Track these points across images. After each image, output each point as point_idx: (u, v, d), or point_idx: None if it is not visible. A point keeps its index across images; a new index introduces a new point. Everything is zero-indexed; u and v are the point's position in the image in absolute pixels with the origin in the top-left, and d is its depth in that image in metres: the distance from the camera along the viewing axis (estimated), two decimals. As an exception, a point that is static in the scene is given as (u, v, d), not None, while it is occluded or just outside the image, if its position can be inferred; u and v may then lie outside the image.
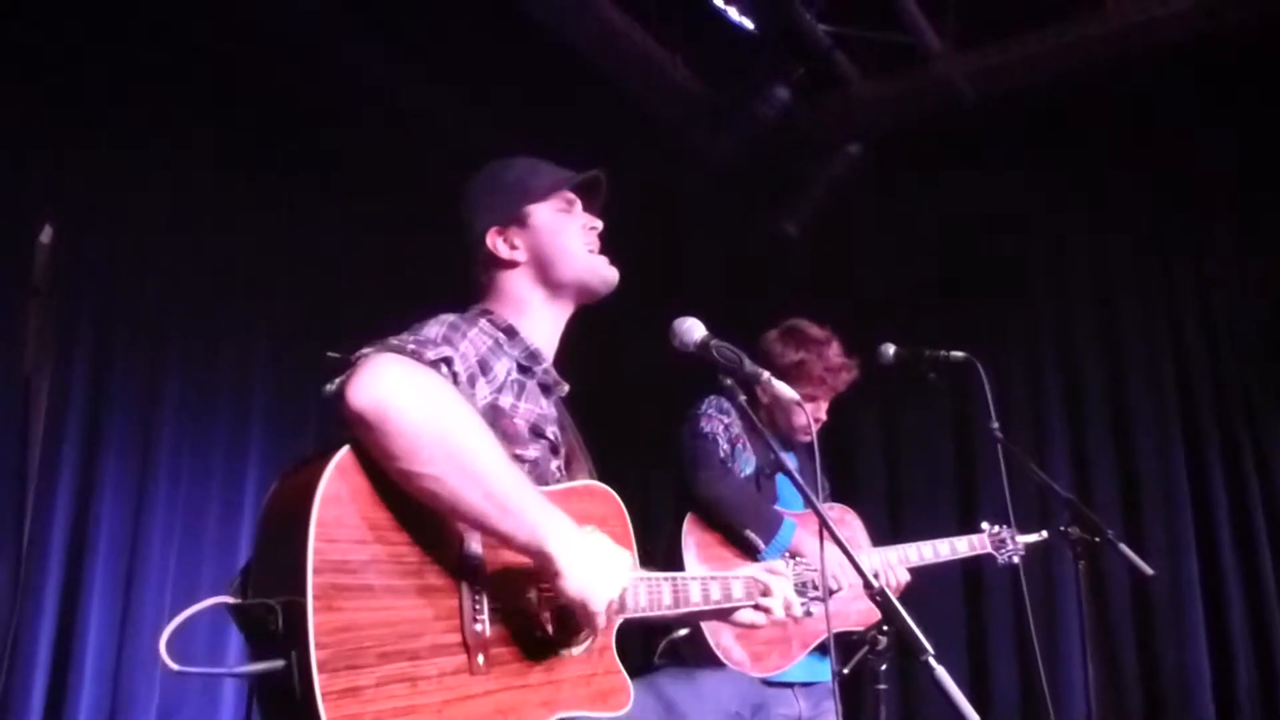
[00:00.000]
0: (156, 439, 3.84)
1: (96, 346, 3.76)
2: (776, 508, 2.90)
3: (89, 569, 3.60)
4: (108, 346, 3.79)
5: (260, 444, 4.13)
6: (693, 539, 2.78)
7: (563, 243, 1.99)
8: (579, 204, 2.06)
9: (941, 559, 3.04)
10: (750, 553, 2.75)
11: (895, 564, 2.94)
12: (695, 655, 2.56)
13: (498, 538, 1.59)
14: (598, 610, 1.60)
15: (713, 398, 2.94)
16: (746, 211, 4.69)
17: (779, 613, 2.08)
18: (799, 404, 2.15)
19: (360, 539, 1.47)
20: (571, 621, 1.69)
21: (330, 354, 1.59)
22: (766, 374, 1.98)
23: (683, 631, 2.56)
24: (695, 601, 1.97)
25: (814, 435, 2.49)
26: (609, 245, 2.06)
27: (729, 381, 2.00)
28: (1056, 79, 4.18)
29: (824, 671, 2.80)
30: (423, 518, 1.56)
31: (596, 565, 1.60)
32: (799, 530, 2.81)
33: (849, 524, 3.07)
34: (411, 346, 1.64)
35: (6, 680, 3.36)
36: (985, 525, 3.16)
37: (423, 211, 4.42)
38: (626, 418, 4.10)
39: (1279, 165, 4.16)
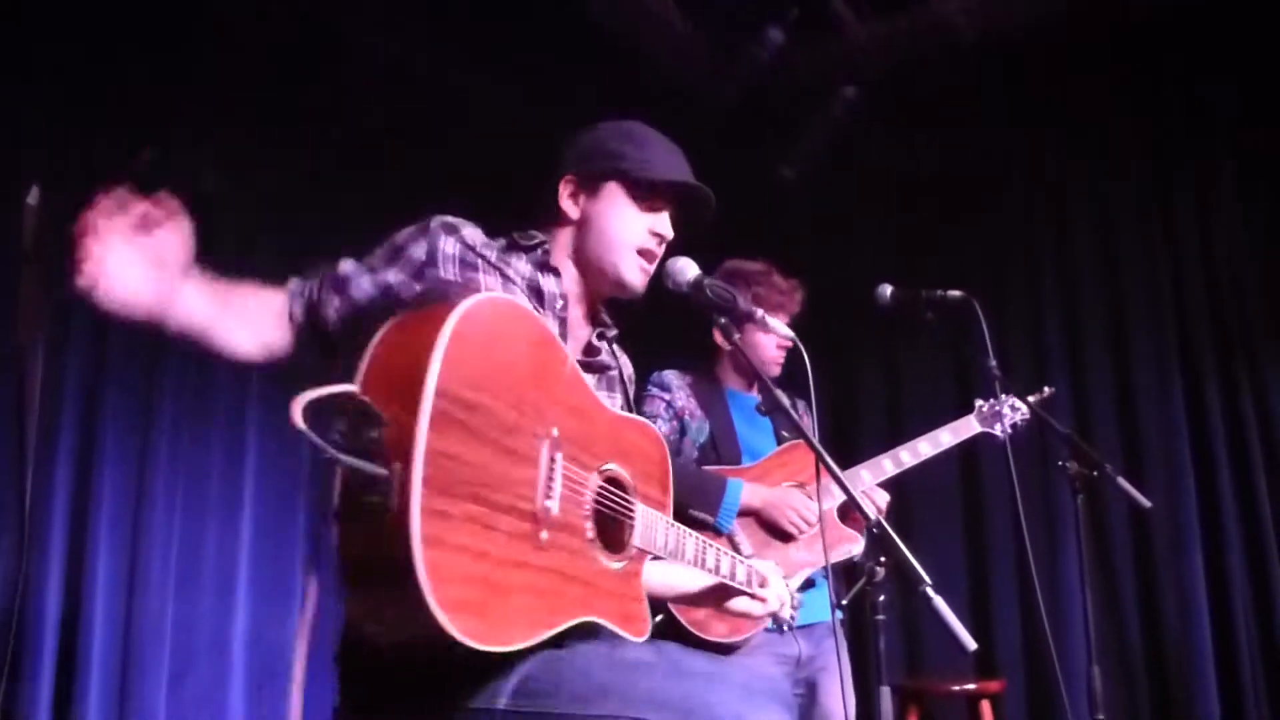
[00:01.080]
0: (157, 401, 3.83)
1: (92, 310, 3.74)
2: (718, 469, 2.90)
3: (93, 534, 3.60)
4: (104, 312, 3.76)
5: (259, 402, 4.12)
6: None
7: (616, 231, 1.96)
8: (665, 209, 1.99)
9: (925, 457, 3.05)
10: (707, 531, 2.71)
11: (870, 485, 2.96)
12: (677, 638, 2.52)
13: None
14: None
15: (655, 374, 2.98)
16: (743, 156, 4.66)
17: (773, 605, 2.13)
18: (792, 341, 2.14)
19: (475, 384, 1.52)
20: (610, 534, 1.77)
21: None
22: (761, 311, 1.97)
23: (658, 618, 2.58)
24: (709, 566, 2.02)
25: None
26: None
27: (723, 320, 1.99)
28: (1055, 16, 4.13)
29: (822, 611, 2.83)
30: (534, 393, 1.63)
31: None
32: (747, 486, 2.83)
33: (807, 461, 3.04)
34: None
35: (16, 645, 3.38)
36: (978, 402, 3.17)
37: (411, 159, 4.45)
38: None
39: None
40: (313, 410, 1.39)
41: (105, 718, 3.54)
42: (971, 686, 3.94)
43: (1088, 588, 3.08)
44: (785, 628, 2.31)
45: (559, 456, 1.66)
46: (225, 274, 1.85)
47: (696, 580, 2.10)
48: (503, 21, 3.99)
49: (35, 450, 3.51)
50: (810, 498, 2.91)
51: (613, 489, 1.82)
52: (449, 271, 1.81)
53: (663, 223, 1.98)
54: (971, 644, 1.59)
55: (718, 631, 2.71)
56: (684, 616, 2.66)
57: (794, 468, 3.02)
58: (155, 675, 3.66)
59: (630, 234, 1.96)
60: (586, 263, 1.98)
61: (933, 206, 4.84)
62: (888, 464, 3.04)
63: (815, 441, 1.90)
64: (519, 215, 2.00)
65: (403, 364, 1.47)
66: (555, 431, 1.66)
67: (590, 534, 1.74)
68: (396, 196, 4.42)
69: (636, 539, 1.84)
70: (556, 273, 1.94)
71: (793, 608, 2.20)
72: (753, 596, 2.11)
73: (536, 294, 1.91)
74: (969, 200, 4.81)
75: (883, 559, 1.72)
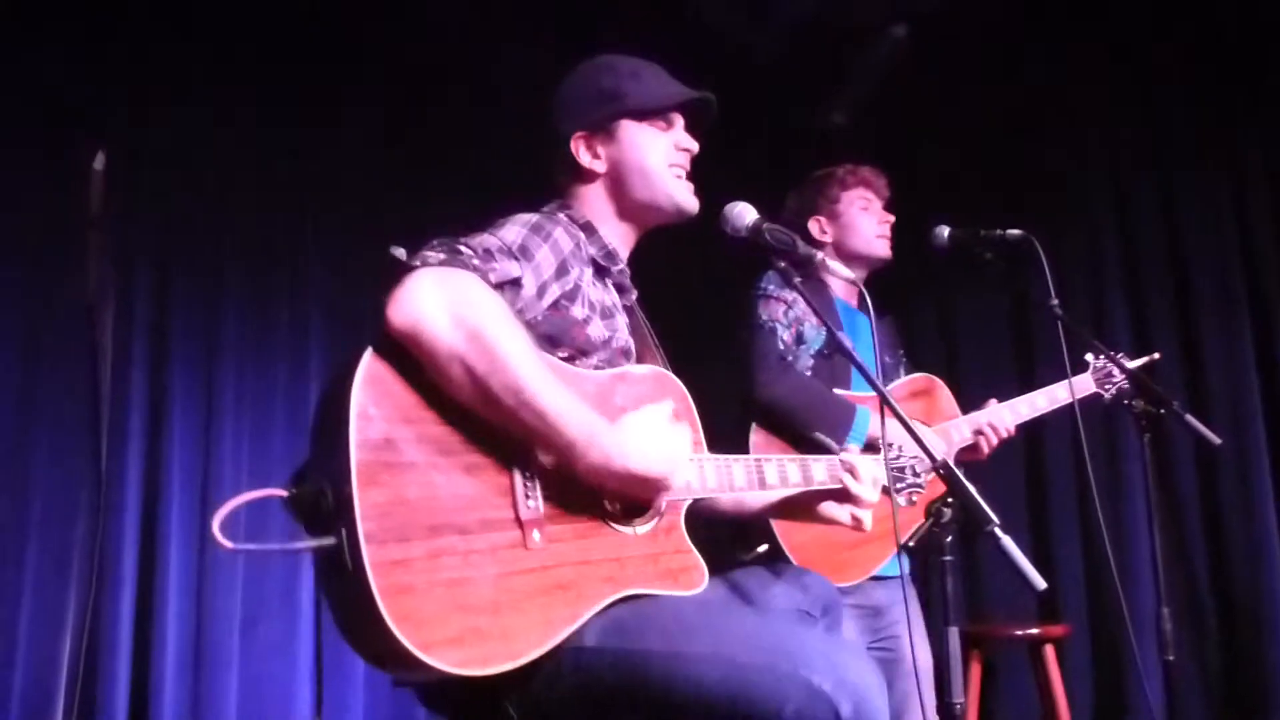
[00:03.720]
0: (220, 354, 3.92)
1: (157, 271, 3.82)
2: (847, 394, 2.80)
3: (165, 487, 3.72)
4: (167, 271, 3.84)
5: (319, 353, 4.20)
6: (758, 450, 2.68)
7: (647, 162, 1.95)
8: (680, 123, 2.00)
9: (1040, 412, 2.97)
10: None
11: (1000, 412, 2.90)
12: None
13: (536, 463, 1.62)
14: (660, 482, 1.63)
15: (771, 273, 2.86)
16: (793, 102, 4.60)
17: (869, 495, 2.02)
18: (853, 282, 2.13)
19: (404, 418, 1.51)
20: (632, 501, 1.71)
21: (395, 250, 1.60)
22: (820, 254, 1.96)
23: (762, 548, 2.56)
24: (772, 483, 1.95)
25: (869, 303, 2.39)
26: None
27: (783, 264, 1.98)
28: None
29: (896, 565, 2.74)
30: None
31: (650, 443, 1.62)
32: (875, 416, 2.71)
33: (935, 395, 3.00)
34: (476, 262, 1.63)
35: (96, 597, 3.50)
36: (1090, 358, 3.08)
37: (459, 120, 4.46)
38: (692, 321, 4.15)
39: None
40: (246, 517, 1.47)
41: (183, 665, 3.66)
42: (1035, 631, 3.91)
43: (1155, 528, 3.05)
44: (907, 500, 2.22)
45: (531, 451, 1.63)
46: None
47: (770, 497, 2.05)
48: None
49: (109, 404, 3.61)
50: (936, 439, 2.83)
51: None
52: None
53: (684, 137, 2.00)
54: (1041, 583, 1.58)
55: (825, 573, 2.64)
56: (795, 555, 2.56)
57: (919, 405, 2.95)
58: (229, 621, 3.77)
59: (664, 159, 1.96)
60: (632, 205, 1.97)
61: (986, 148, 4.75)
62: (1007, 414, 2.96)
63: (880, 384, 1.89)
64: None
65: (325, 427, 1.50)
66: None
67: (600, 509, 1.70)
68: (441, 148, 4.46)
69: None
70: (591, 229, 1.93)
71: (903, 495, 2.15)
72: (842, 497, 2.03)
73: (600, 270, 1.92)
74: (1023, 141, 4.71)
75: (949, 500, 1.72)
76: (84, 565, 3.50)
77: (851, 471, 2.04)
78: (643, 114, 1.96)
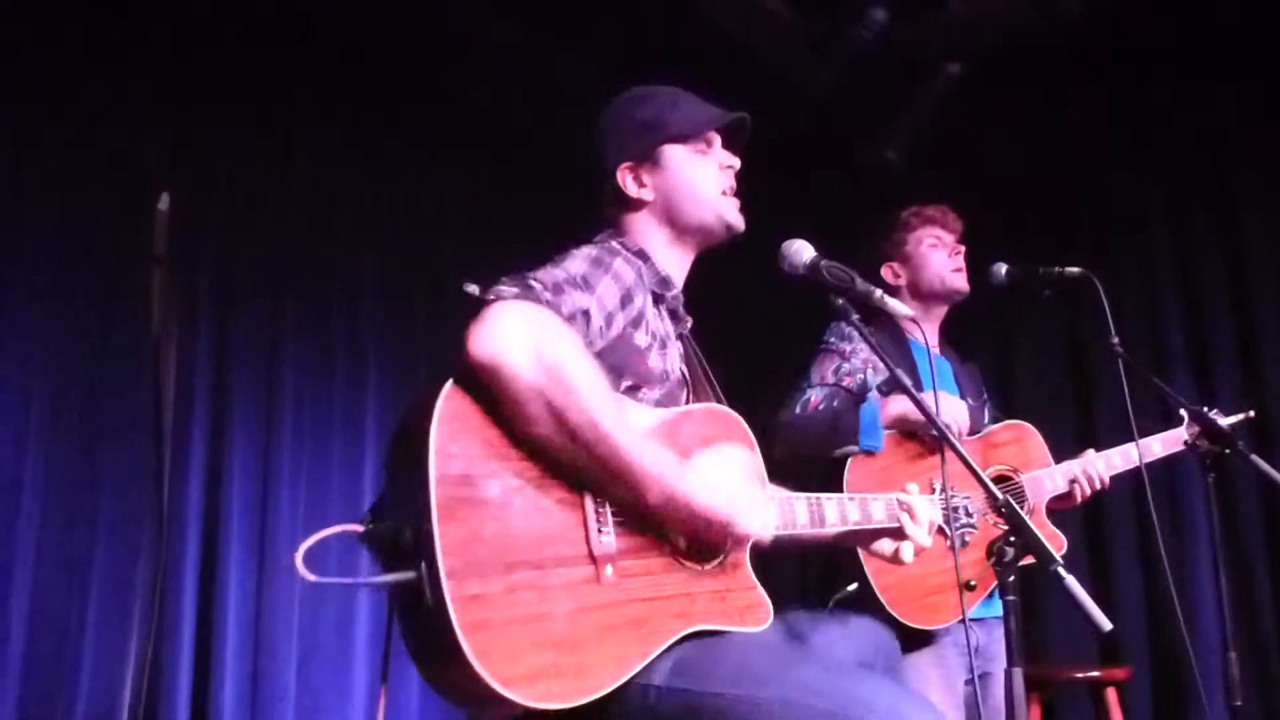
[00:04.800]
0: (279, 390, 3.98)
1: (219, 309, 3.90)
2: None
3: (225, 522, 3.77)
4: (229, 308, 3.92)
5: (377, 395, 4.25)
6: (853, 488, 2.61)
7: (695, 186, 1.98)
8: (718, 142, 2.03)
9: (1133, 465, 2.90)
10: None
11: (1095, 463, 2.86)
12: (867, 608, 2.45)
13: (604, 494, 1.63)
14: (746, 533, 1.66)
15: (835, 324, 2.86)
16: (848, 140, 4.61)
17: (922, 538, 2.04)
18: (913, 319, 2.13)
19: (480, 455, 1.53)
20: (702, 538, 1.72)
21: (468, 286, 1.61)
22: (879, 292, 1.96)
23: (852, 587, 2.53)
24: (832, 521, 1.96)
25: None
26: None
27: (840, 301, 1.98)
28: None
29: (995, 606, 2.67)
30: None
31: (719, 483, 1.64)
32: (899, 401, 2.67)
33: (1027, 441, 2.94)
34: (548, 296, 1.64)
35: (158, 629, 3.55)
36: (1184, 412, 3.01)
37: (520, 158, 4.53)
38: (749, 355, 4.14)
39: None
40: (315, 550, 1.48)
41: (240, 698, 3.69)
42: (1096, 674, 3.83)
43: (1221, 570, 2.98)
44: (960, 541, 2.24)
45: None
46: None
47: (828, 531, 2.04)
48: (598, 8, 4.02)
49: (170, 439, 3.68)
50: (1023, 490, 2.81)
51: None
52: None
53: (726, 156, 2.02)
54: (1106, 624, 1.55)
55: (917, 618, 2.58)
56: (885, 596, 2.54)
57: (1011, 451, 2.90)
58: (286, 652, 3.80)
59: (712, 182, 1.99)
60: (683, 228, 1.99)
61: (1041, 182, 4.73)
62: (1101, 464, 2.90)
63: (940, 423, 1.88)
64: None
65: (403, 465, 1.52)
66: None
67: (671, 546, 1.71)
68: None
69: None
70: (646, 256, 1.95)
71: (958, 534, 2.15)
72: (898, 534, 2.03)
73: (657, 298, 1.94)
74: (1078, 178, 4.68)
75: (1011, 539, 1.70)
76: (146, 601, 3.56)
77: (909, 512, 2.04)
78: (685, 138, 1.99)
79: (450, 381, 1.54)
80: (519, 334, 1.55)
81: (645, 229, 1.98)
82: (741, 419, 1.93)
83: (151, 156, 3.80)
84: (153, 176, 3.82)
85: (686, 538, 1.69)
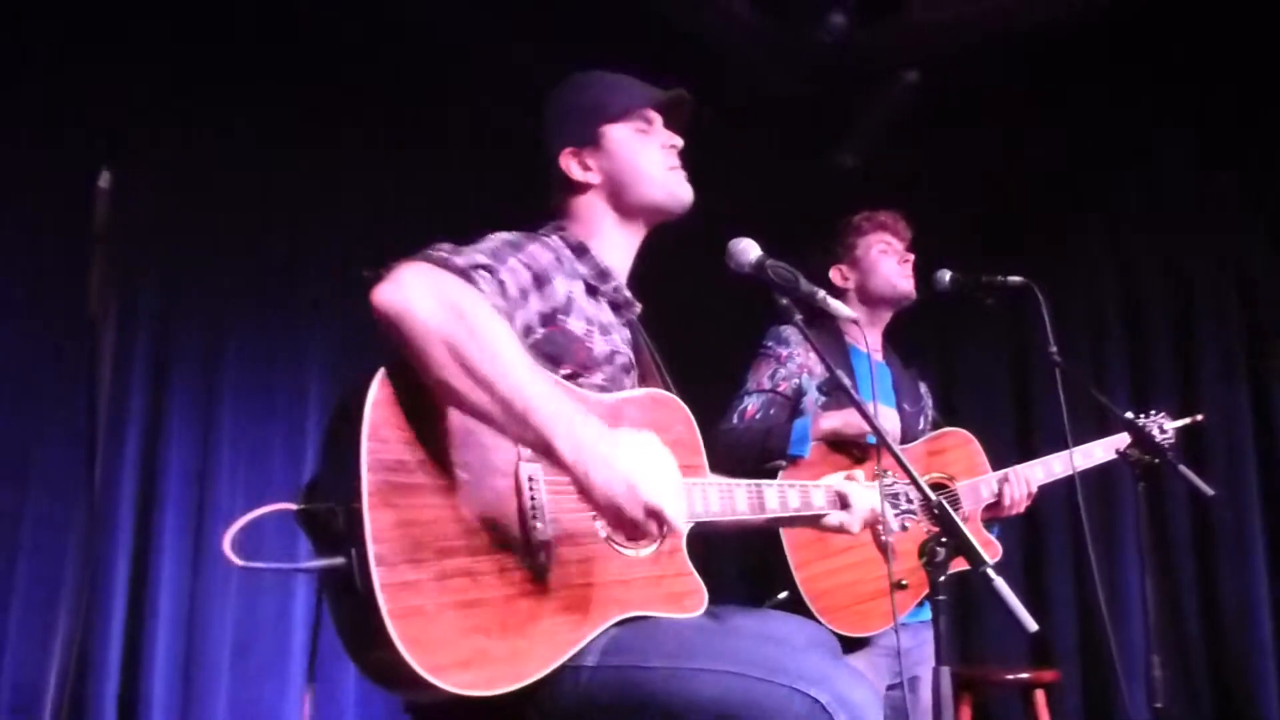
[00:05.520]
0: (220, 377, 3.92)
1: (160, 291, 3.83)
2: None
3: (160, 508, 3.70)
4: (171, 290, 3.86)
5: (320, 375, 4.20)
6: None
7: (639, 165, 1.98)
8: (658, 121, 2.03)
9: (1071, 471, 2.93)
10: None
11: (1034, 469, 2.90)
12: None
13: (517, 442, 1.59)
14: (633, 517, 1.54)
15: (774, 327, 2.88)
16: (802, 143, 4.64)
17: (853, 527, 2.10)
18: (855, 322, 2.15)
19: (413, 440, 1.52)
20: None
21: (366, 271, 1.60)
22: (822, 293, 1.97)
23: (783, 595, 2.57)
24: (772, 508, 1.98)
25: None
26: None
27: (784, 302, 1.99)
28: (1116, 2, 4.06)
29: (925, 611, 2.75)
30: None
31: (624, 472, 1.52)
32: (834, 416, 2.72)
33: (966, 449, 2.98)
34: (442, 254, 1.64)
35: (86, 617, 3.48)
36: (1130, 415, 3.04)
37: (473, 144, 4.50)
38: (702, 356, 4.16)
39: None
40: (244, 534, 1.46)
41: (172, 689, 3.63)
42: (1025, 675, 3.90)
43: (1148, 577, 3.05)
44: (901, 526, 2.26)
45: (538, 473, 1.64)
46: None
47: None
48: (562, 6, 4.01)
49: (105, 421, 3.61)
50: (958, 497, 2.85)
51: None
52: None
53: (669, 136, 2.02)
54: (1032, 624, 1.58)
55: (849, 626, 2.61)
56: (814, 604, 2.57)
57: (950, 458, 2.94)
58: (220, 645, 3.75)
59: (656, 158, 1.99)
60: (631, 207, 1.99)
61: (991, 194, 4.79)
62: (1039, 471, 2.95)
63: (876, 422, 1.91)
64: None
65: (336, 448, 1.50)
66: (527, 450, 1.62)
67: (604, 533, 1.71)
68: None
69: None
70: (584, 249, 1.94)
71: (896, 519, 2.20)
72: (840, 527, 2.10)
73: (591, 289, 1.92)
74: (1027, 189, 4.75)
75: (943, 540, 1.72)
76: (75, 584, 3.48)
77: (843, 499, 2.10)
78: (625, 118, 1.99)
79: (384, 367, 1.52)
80: (419, 281, 1.56)
81: (593, 212, 1.98)
82: (684, 405, 1.94)
83: (93, 132, 3.72)
84: (94, 153, 3.74)
85: (600, 507, 1.57)
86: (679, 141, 2.03)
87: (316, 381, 4.19)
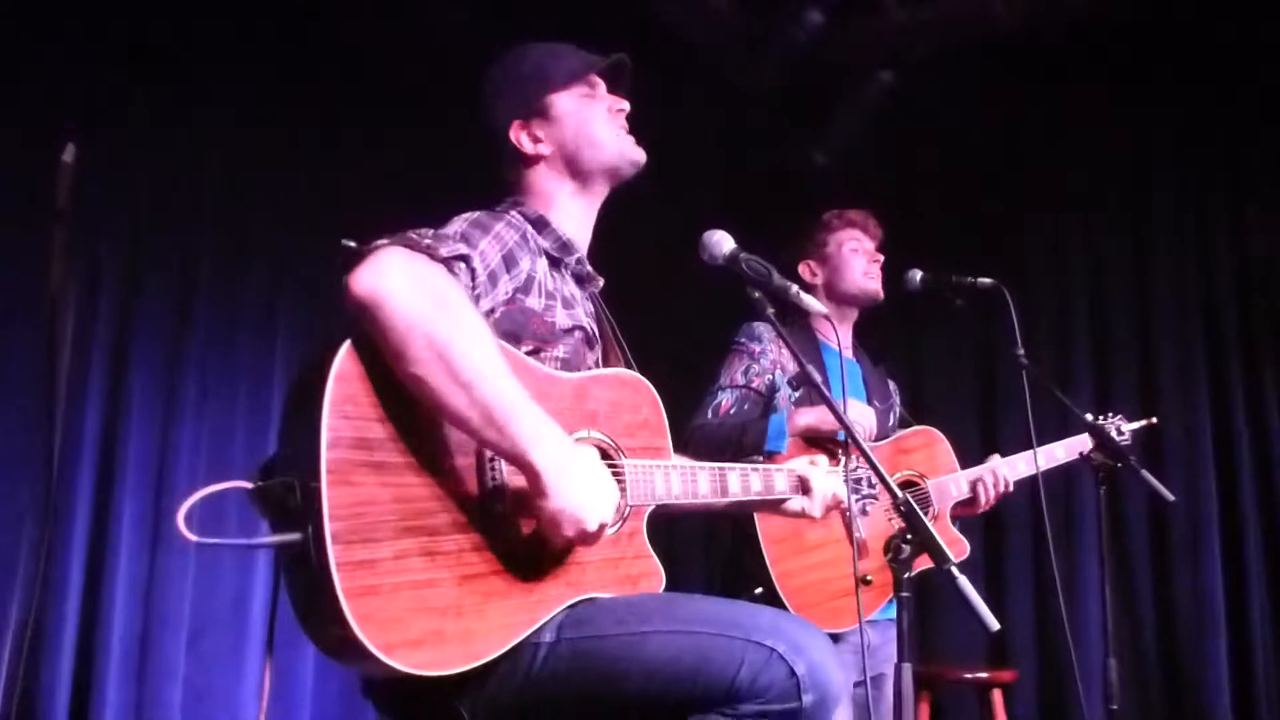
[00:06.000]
0: (183, 359, 3.87)
1: (123, 265, 3.78)
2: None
3: (118, 488, 3.65)
4: (134, 265, 3.80)
5: (283, 365, 4.15)
6: None
7: (589, 131, 1.96)
8: (602, 86, 2.02)
9: (1035, 471, 2.96)
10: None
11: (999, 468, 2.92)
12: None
13: (481, 443, 1.57)
14: (579, 538, 1.57)
15: (747, 324, 2.89)
16: (777, 138, 4.64)
17: (815, 512, 2.12)
18: (826, 318, 2.15)
19: (376, 417, 1.50)
20: None
21: (346, 242, 1.57)
22: (795, 287, 1.97)
23: (758, 591, 2.58)
24: (735, 492, 1.98)
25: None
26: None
27: (757, 295, 1.99)
28: (1095, 4, 4.09)
29: (892, 609, 2.79)
30: None
31: (579, 488, 1.55)
32: (797, 413, 2.74)
33: (935, 448, 2.99)
34: (427, 242, 1.61)
35: (41, 598, 3.43)
36: (1090, 417, 3.07)
37: (439, 122, 4.45)
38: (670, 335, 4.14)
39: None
40: (203, 511, 1.43)
41: (126, 671, 3.59)
42: (984, 675, 3.93)
43: (1106, 580, 3.08)
44: (862, 511, 2.31)
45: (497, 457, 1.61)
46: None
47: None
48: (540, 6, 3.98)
49: (64, 399, 3.55)
50: (928, 495, 2.87)
51: None
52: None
53: (615, 100, 2.01)
54: (994, 624, 1.59)
55: (821, 622, 2.59)
56: (790, 601, 2.59)
57: (919, 457, 2.95)
58: (176, 630, 3.70)
59: (605, 122, 1.97)
60: (585, 173, 1.97)
61: (962, 196, 4.82)
62: (1005, 470, 2.96)
63: (846, 419, 1.91)
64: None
65: (297, 421, 1.48)
66: None
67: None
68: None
69: (629, 498, 1.78)
70: (544, 222, 1.92)
71: (859, 502, 2.25)
72: (801, 512, 2.13)
73: (555, 262, 1.91)
74: (998, 191, 4.79)
75: (908, 537, 1.73)
76: (29, 565, 3.43)
77: (804, 484, 2.12)
78: (569, 84, 1.97)
79: (349, 340, 1.49)
80: (400, 270, 1.52)
81: (548, 184, 1.96)
82: (650, 386, 1.93)
83: (59, 105, 3.65)
84: (58, 126, 3.68)
85: (543, 519, 1.57)
86: (626, 105, 2.02)
87: (281, 367, 4.15)
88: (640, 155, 2.00)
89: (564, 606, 1.64)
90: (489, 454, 1.60)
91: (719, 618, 1.59)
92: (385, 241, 1.58)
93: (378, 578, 1.43)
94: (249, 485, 1.49)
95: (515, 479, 1.61)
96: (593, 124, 1.97)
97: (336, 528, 1.41)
